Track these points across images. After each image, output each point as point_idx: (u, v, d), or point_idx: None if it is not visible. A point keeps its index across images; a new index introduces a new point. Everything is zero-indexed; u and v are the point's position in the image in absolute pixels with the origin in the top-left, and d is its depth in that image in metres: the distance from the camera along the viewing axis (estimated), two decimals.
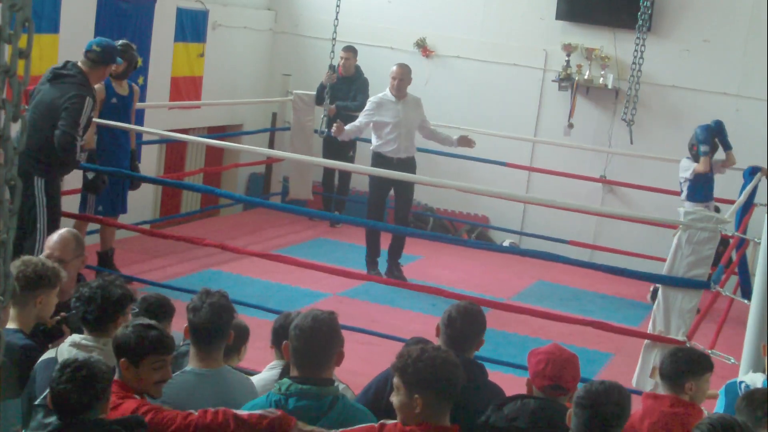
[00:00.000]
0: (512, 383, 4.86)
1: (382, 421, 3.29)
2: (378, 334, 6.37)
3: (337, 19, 9.22)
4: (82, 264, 4.86)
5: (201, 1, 10.42)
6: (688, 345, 5.60)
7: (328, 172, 10.87)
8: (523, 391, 3.83)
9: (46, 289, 4.13)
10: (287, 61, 11.71)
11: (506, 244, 10.69)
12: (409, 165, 8.56)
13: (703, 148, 8.56)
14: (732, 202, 7.78)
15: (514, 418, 3.61)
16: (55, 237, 4.76)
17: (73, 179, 7.50)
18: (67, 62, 6.52)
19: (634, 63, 9.69)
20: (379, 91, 8.86)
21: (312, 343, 3.36)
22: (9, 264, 2.36)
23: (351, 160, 10.31)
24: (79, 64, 6.54)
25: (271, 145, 11.10)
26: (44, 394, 3.32)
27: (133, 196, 7.88)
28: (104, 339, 3.85)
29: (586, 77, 10.61)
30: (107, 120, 7.27)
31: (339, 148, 9.98)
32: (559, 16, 10.74)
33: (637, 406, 3.94)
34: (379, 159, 8.59)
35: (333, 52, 9.42)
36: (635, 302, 8.91)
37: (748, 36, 10.11)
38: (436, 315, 4.14)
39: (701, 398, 4.26)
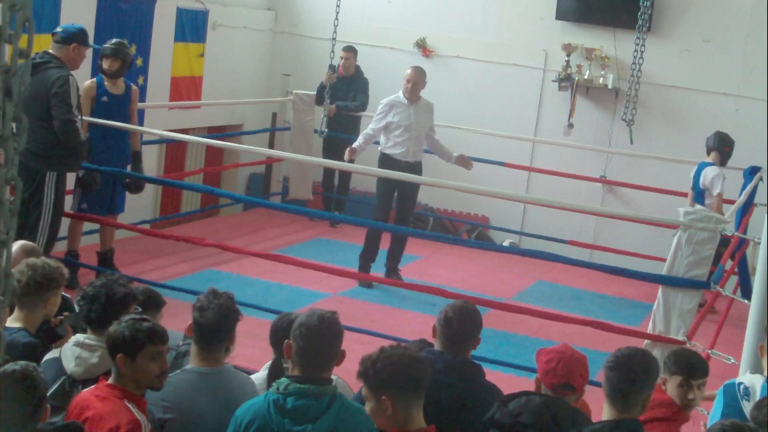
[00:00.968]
0: (512, 383, 4.87)
1: None
2: (378, 334, 6.37)
3: (337, 19, 9.24)
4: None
5: (201, 1, 10.42)
6: (688, 345, 5.61)
7: (328, 172, 10.86)
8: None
9: (55, 290, 4.15)
10: (287, 61, 11.71)
11: (506, 244, 10.69)
12: (416, 169, 8.41)
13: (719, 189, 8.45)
14: (732, 202, 7.79)
15: (519, 413, 3.62)
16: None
17: (73, 179, 7.48)
18: (37, 53, 6.56)
19: (634, 63, 9.69)
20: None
21: (318, 343, 3.36)
22: (9, 264, 2.36)
23: (351, 160, 10.29)
24: (50, 50, 6.65)
25: (271, 145, 11.09)
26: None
27: (132, 196, 7.86)
28: None
29: (586, 77, 10.60)
30: (97, 119, 7.24)
31: (339, 148, 9.96)
32: (559, 16, 10.74)
33: None
34: (386, 161, 8.45)
35: (333, 52, 9.43)
36: (635, 302, 8.91)
37: (748, 36, 10.11)
38: (436, 315, 4.14)
39: (687, 400, 4.08)
